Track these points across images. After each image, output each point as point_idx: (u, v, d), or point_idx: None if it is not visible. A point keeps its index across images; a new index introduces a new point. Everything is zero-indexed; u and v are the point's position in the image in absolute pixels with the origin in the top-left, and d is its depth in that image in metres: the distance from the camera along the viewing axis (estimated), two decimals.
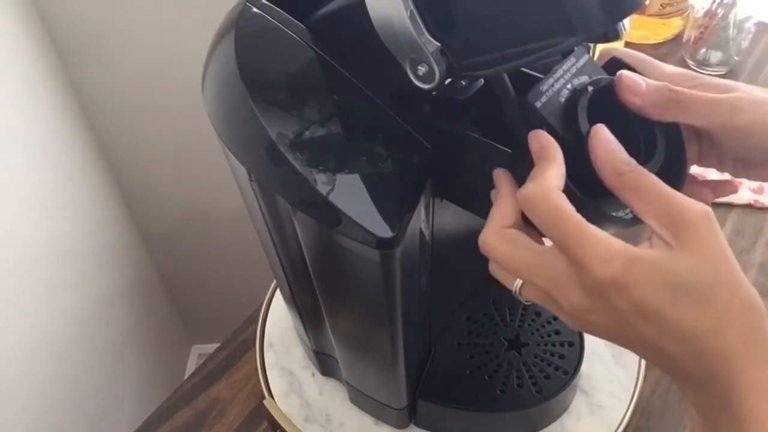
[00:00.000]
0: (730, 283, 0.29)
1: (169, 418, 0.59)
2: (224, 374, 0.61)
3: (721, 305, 0.28)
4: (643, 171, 0.30)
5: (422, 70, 0.32)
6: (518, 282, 0.32)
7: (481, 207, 0.40)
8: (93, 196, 1.05)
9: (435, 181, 0.37)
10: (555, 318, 0.55)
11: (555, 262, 0.31)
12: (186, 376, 0.88)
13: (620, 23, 0.33)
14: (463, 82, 0.34)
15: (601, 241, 0.29)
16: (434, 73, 0.32)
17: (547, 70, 0.34)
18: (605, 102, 0.33)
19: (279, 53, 0.37)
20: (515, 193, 0.32)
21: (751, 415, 0.28)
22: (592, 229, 0.29)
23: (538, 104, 0.32)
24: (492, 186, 0.35)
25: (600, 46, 0.39)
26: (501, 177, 0.35)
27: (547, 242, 0.32)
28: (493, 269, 0.34)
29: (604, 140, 0.31)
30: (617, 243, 0.29)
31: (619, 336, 0.31)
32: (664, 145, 0.34)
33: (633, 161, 0.31)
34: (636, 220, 0.33)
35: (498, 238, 0.33)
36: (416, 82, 0.33)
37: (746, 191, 0.72)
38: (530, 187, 0.31)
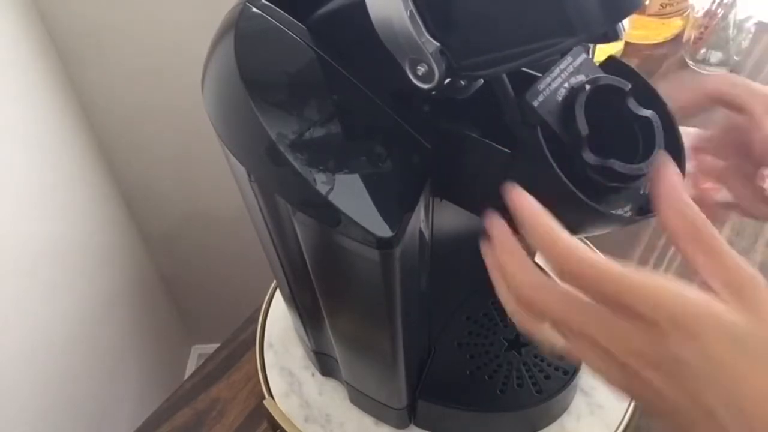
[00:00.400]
0: None
1: (169, 418, 0.59)
2: (224, 374, 0.61)
3: None
4: (713, 230, 0.29)
5: (422, 70, 0.32)
6: (560, 334, 0.30)
7: (481, 207, 0.40)
8: (93, 196, 1.05)
9: (435, 181, 0.37)
10: None
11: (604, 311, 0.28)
12: (186, 376, 0.88)
13: (620, 23, 0.33)
14: (463, 82, 0.34)
15: (668, 290, 0.27)
16: (434, 73, 0.32)
17: (546, 70, 0.34)
18: (602, 100, 0.33)
19: (279, 53, 0.37)
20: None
21: None
22: (645, 277, 0.28)
23: (536, 103, 0.32)
24: (492, 185, 0.35)
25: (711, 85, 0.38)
26: (496, 226, 0.32)
27: None
28: (524, 320, 0.31)
29: (670, 179, 0.30)
30: (683, 291, 0.27)
31: (675, 396, 0.28)
32: (662, 142, 0.34)
33: (694, 206, 0.29)
34: (634, 219, 0.33)
35: (546, 283, 0.30)
36: (415, 82, 0.33)
37: None
38: (561, 247, 0.29)
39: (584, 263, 0.28)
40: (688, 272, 0.28)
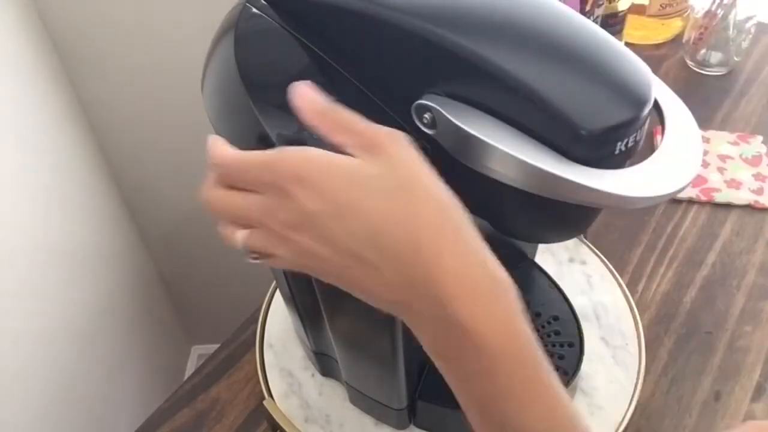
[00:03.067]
0: (415, 182, 0.30)
1: (169, 418, 0.59)
2: (224, 375, 0.61)
3: (408, 199, 0.29)
4: (341, 108, 0.32)
5: (427, 118, 0.33)
6: (244, 232, 0.32)
7: (481, 207, 0.40)
8: (93, 196, 1.05)
9: None
10: (555, 318, 0.55)
11: (262, 197, 0.31)
12: (186, 377, 0.88)
13: None
14: None
15: (291, 155, 0.30)
16: (437, 124, 0.33)
17: None
18: None
19: (278, 53, 0.37)
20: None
21: (469, 311, 0.28)
22: (277, 151, 0.31)
23: None
24: (491, 186, 0.35)
25: None
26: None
27: None
28: (223, 229, 0.34)
29: (302, 92, 0.32)
30: (306, 153, 0.30)
31: (323, 250, 0.30)
32: None
33: (332, 103, 0.32)
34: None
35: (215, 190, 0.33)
36: (419, 125, 0.34)
37: (746, 192, 0.72)
38: (213, 155, 0.32)
39: (227, 159, 0.32)
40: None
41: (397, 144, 0.30)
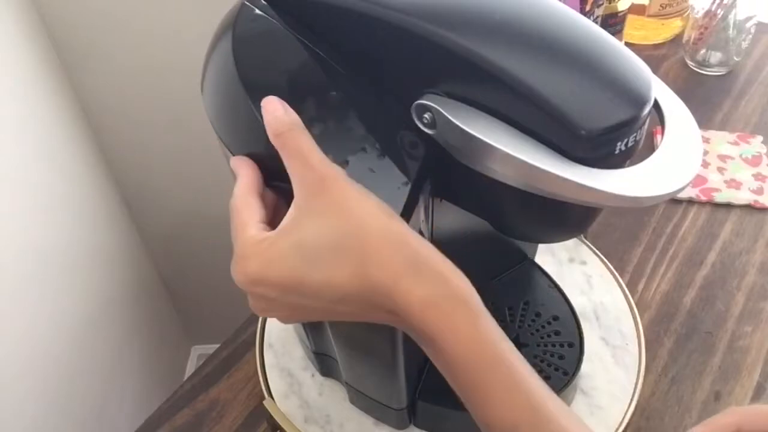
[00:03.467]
0: (357, 222, 0.31)
1: (169, 418, 0.59)
2: (224, 375, 0.61)
3: (354, 247, 0.30)
4: (300, 132, 0.32)
5: (427, 118, 0.34)
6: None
7: (481, 207, 0.40)
8: (93, 196, 1.05)
9: (435, 181, 0.37)
10: (555, 318, 0.55)
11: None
12: (186, 377, 0.88)
13: None
14: None
15: (242, 240, 0.32)
16: (437, 124, 0.34)
17: None
18: None
19: (277, 53, 0.37)
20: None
21: (435, 330, 0.31)
22: (243, 225, 0.33)
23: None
24: (491, 186, 0.35)
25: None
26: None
27: None
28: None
29: (268, 107, 0.33)
30: (253, 236, 0.32)
31: (308, 317, 0.35)
32: None
33: (296, 121, 0.32)
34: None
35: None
36: (419, 125, 0.35)
37: (746, 192, 0.72)
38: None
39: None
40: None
41: (337, 182, 0.32)
